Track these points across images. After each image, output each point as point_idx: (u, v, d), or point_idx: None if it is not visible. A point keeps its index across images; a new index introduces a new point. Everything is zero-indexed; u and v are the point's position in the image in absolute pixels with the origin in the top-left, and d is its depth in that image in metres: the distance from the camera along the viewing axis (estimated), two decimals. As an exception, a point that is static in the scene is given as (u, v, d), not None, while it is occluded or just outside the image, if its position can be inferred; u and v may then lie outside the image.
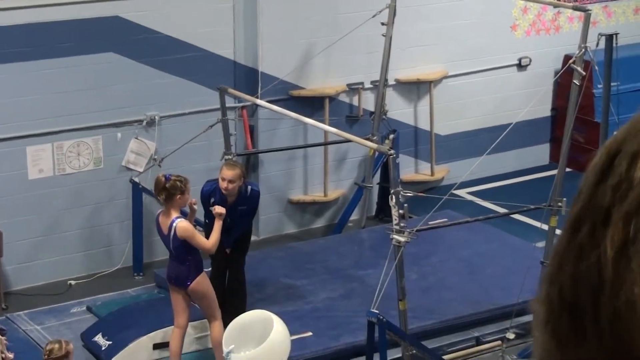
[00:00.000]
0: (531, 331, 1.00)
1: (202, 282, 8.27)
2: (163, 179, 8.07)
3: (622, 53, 9.41)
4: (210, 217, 8.52)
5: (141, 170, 10.28)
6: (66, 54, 9.81)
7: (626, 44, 11.13)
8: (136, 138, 10.31)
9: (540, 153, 12.99)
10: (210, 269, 8.84)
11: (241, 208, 8.71)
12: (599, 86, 11.17)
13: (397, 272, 8.00)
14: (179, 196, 8.04)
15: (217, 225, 8.22)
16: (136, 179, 10.06)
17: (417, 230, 8.05)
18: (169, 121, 10.41)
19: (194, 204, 8.36)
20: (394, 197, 7.92)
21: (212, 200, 8.65)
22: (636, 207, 0.90)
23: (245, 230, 8.97)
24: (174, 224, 8.04)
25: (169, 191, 8.02)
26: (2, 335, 7.62)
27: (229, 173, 8.54)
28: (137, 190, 10.05)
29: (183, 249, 8.11)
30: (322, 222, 11.55)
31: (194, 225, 8.36)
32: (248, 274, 9.09)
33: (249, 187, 8.81)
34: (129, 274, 10.28)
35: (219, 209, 8.25)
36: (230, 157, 9.62)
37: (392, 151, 8.20)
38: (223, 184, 8.53)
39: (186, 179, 8.17)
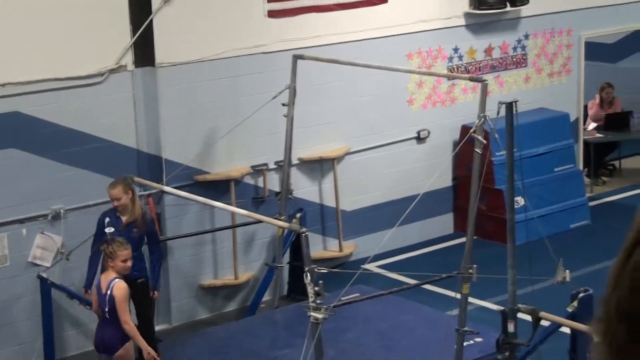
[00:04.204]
0: (590, 352, 1.10)
1: (129, 351, 8.40)
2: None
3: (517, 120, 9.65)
4: (100, 239, 8.94)
5: (48, 265, 10.12)
6: (-34, 152, 9.67)
7: (520, 111, 11.44)
8: (42, 233, 10.16)
9: (444, 223, 13.18)
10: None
11: (135, 230, 9.17)
12: (497, 154, 11.44)
13: (315, 350, 7.99)
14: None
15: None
16: (44, 274, 9.90)
17: (334, 306, 8.07)
18: (75, 214, 10.29)
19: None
20: (308, 274, 7.95)
21: (108, 219, 9.21)
22: None
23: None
24: (113, 282, 8.29)
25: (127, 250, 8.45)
26: None
27: (113, 192, 9.14)
28: (46, 285, 9.88)
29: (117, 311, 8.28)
30: (234, 305, 11.49)
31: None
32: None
33: (143, 209, 9.40)
34: (41, 372, 10.06)
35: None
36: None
37: (304, 229, 8.26)
38: (114, 204, 9.13)
39: None
